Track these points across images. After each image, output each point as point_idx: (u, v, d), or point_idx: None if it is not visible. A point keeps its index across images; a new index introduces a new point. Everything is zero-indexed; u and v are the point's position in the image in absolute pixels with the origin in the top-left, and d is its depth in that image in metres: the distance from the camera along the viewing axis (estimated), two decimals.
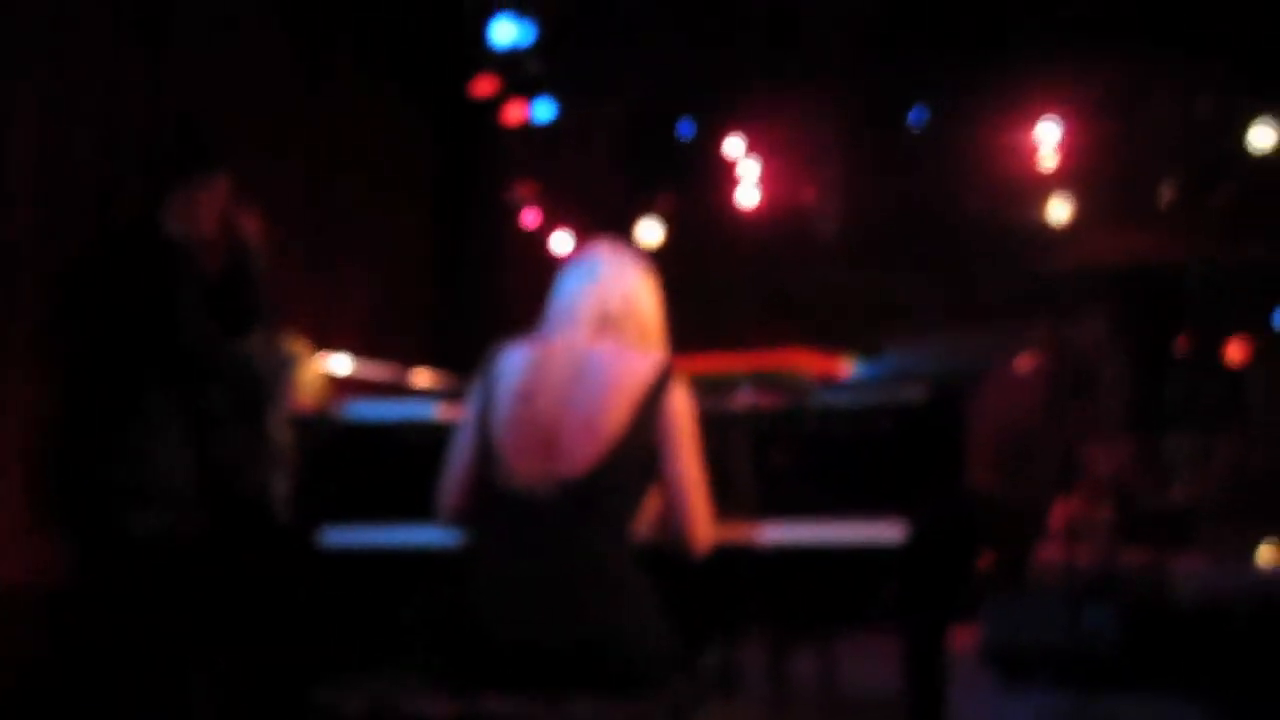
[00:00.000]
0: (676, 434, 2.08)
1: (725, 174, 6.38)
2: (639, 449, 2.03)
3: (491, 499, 2.02)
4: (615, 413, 2.01)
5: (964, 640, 4.22)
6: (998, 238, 6.68)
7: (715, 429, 2.49)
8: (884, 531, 2.35)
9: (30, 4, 3.20)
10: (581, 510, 1.97)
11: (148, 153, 3.47)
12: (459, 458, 2.15)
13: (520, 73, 5.31)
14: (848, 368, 8.72)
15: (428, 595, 2.06)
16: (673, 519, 2.09)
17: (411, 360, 4.04)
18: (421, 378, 3.76)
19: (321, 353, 3.36)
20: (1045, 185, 6.11)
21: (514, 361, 2.12)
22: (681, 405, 2.10)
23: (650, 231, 6.37)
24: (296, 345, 3.27)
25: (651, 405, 2.05)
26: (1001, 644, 4.14)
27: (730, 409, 2.59)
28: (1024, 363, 6.57)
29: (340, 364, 3.52)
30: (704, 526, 2.10)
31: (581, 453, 1.99)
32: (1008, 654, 4.12)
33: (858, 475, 2.42)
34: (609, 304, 2.17)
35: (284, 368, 3.16)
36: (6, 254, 3.09)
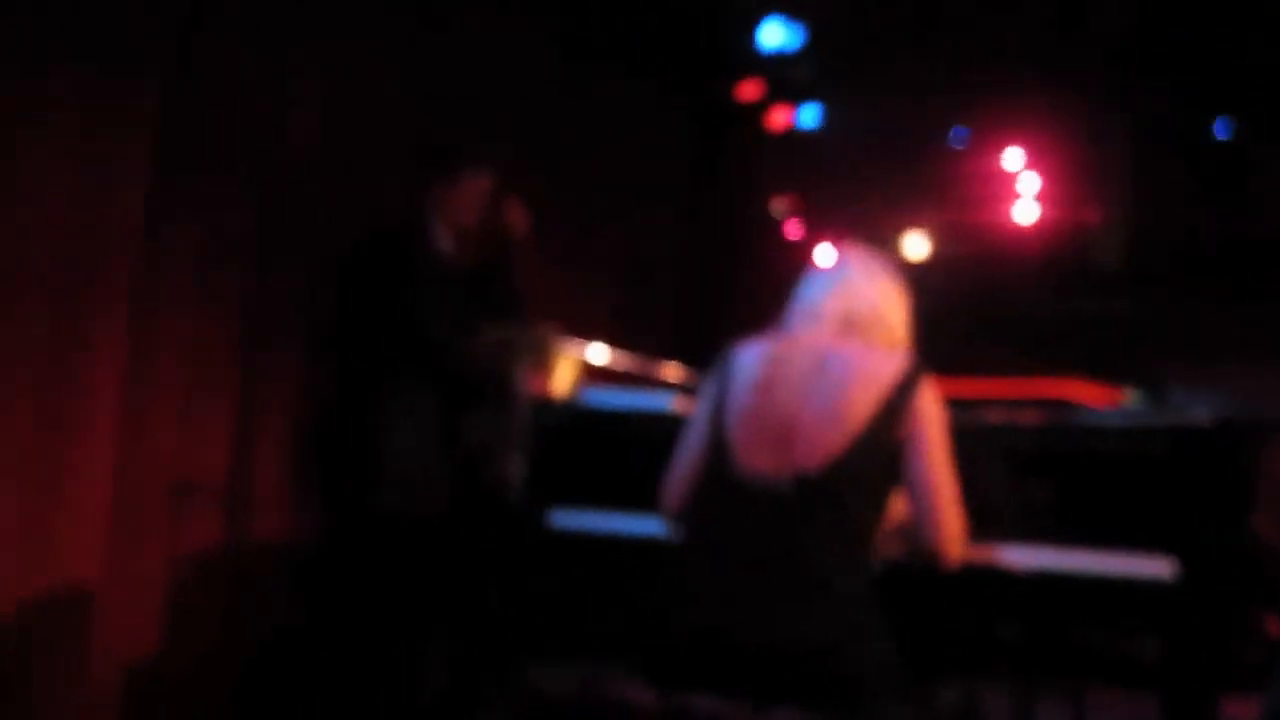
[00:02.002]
0: (925, 434, 1.92)
1: (1003, 188, 6.06)
2: (882, 446, 1.89)
3: (720, 489, 1.93)
4: (858, 406, 1.89)
5: (1242, 714, 3.76)
6: None
7: (968, 443, 2.31)
8: (1149, 567, 2.08)
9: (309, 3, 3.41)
10: (818, 505, 1.84)
11: (418, 147, 3.63)
12: (687, 455, 2.07)
13: (787, 78, 5.23)
14: (1126, 402, 8.11)
15: (646, 584, 2.01)
16: (921, 526, 1.94)
17: (659, 356, 4.04)
18: (669, 371, 3.75)
19: (576, 341, 3.40)
20: None
21: (751, 357, 2.04)
22: (931, 405, 1.95)
23: (916, 245, 6.13)
24: (552, 333, 3.33)
25: (897, 403, 1.91)
26: None
27: (985, 422, 2.40)
28: None
29: (593, 352, 3.56)
30: (955, 535, 1.94)
31: (820, 445, 1.87)
32: None
33: (1124, 503, 2.17)
34: (855, 308, 2.07)
35: (535, 354, 3.21)
36: (276, 241, 3.28)
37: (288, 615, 3.21)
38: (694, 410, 2.12)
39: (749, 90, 5.22)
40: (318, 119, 3.42)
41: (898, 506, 2.00)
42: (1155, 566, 2.09)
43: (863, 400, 1.90)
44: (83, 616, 2.79)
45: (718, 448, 1.97)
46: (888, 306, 2.11)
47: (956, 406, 2.46)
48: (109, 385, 2.84)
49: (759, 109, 5.30)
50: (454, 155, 3.22)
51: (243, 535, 3.19)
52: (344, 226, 3.45)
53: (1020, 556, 2.21)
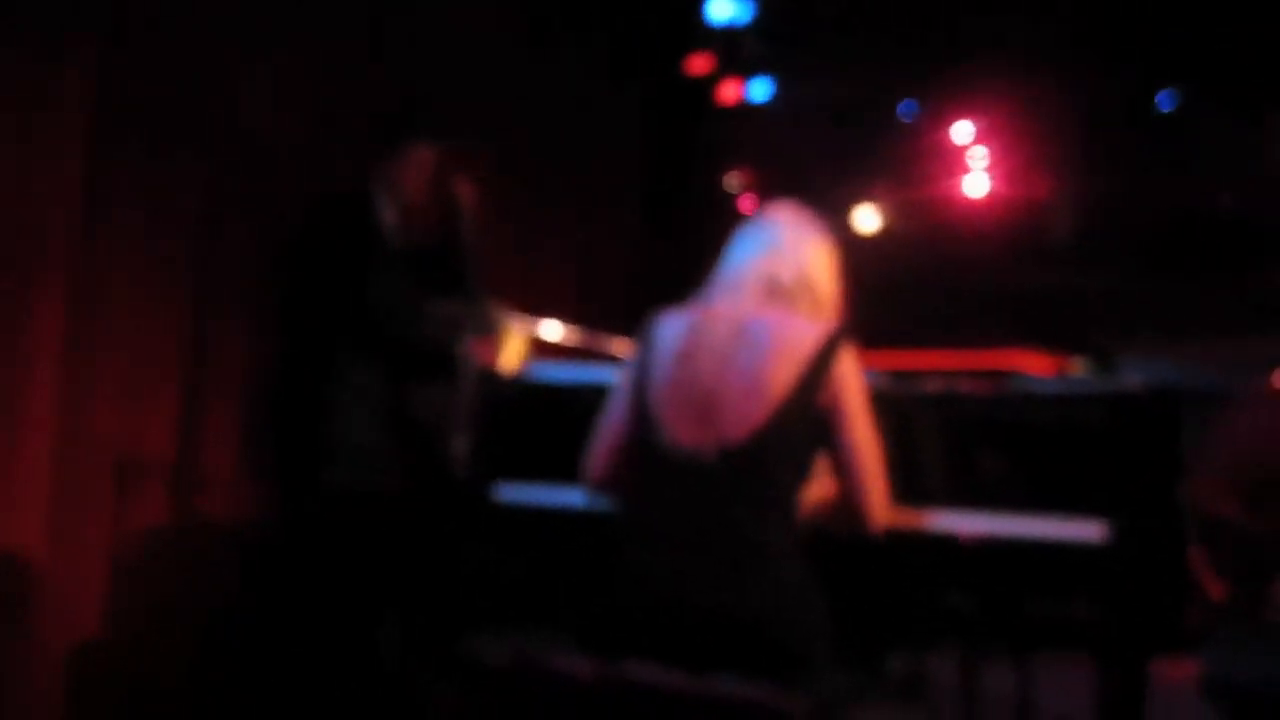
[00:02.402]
0: (847, 401, 1.93)
1: (952, 160, 6.09)
2: (804, 414, 1.90)
3: (649, 462, 1.94)
4: (780, 375, 1.89)
5: (1183, 673, 3.85)
6: (1257, 238, 6.12)
7: (906, 411, 2.34)
8: (1081, 531, 2.12)
9: None
10: (743, 476, 1.86)
11: (361, 119, 3.59)
12: (610, 425, 2.07)
13: (737, 51, 5.23)
14: (1076, 374, 8.22)
15: (589, 556, 2.02)
16: (846, 491, 1.96)
17: (615, 332, 4.04)
18: (619, 345, 3.75)
19: (527, 318, 3.39)
20: None
21: (673, 327, 2.02)
22: (851, 372, 1.96)
23: (868, 219, 6.16)
24: (503, 308, 3.32)
25: (819, 370, 1.91)
26: (1226, 682, 3.74)
27: (922, 391, 2.43)
28: (1276, 382, 5.98)
29: (545, 329, 3.55)
30: (879, 500, 1.95)
31: (744, 416, 1.88)
32: (1232, 693, 3.72)
33: (1058, 468, 2.21)
34: (780, 274, 2.04)
35: (483, 329, 3.21)
36: (226, 215, 3.25)
37: (238, 594, 3.20)
38: (617, 381, 2.10)
39: (699, 64, 5.21)
40: (268, 92, 3.39)
41: (825, 479, 2.01)
42: (1087, 529, 2.13)
43: (783, 369, 1.90)
44: (26, 598, 2.76)
45: (643, 421, 1.97)
46: (814, 269, 2.08)
47: (903, 377, 2.48)
48: (48, 363, 2.81)
49: (709, 83, 5.29)
50: (398, 127, 3.19)
51: (190, 514, 3.17)
52: (293, 201, 3.42)
53: (954, 522, 2.24)
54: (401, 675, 2.97)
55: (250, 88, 3.35)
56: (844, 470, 1.95)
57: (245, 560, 3.22)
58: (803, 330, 1.96)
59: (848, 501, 1.95)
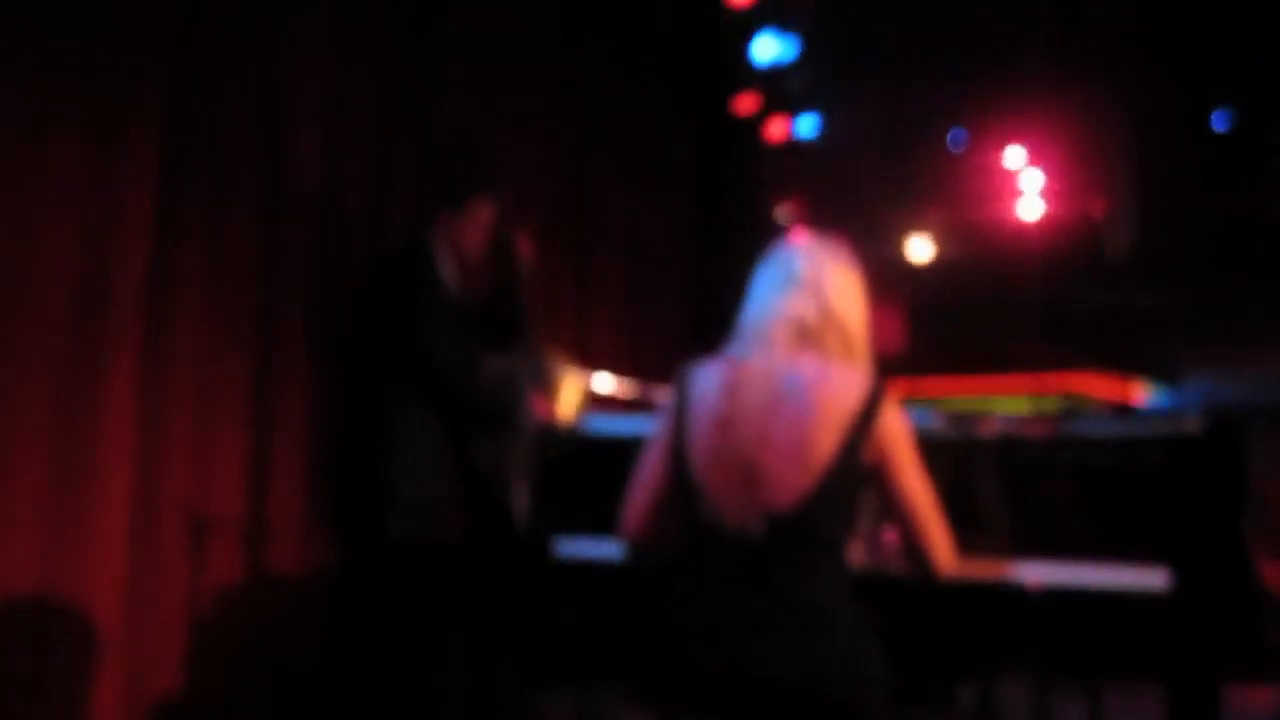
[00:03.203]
0: (895, 454, 1.91)
1: (1005, 186, 6.06)
2: (849, 475, 1.89)
3: (695, 531, 1.94)
4: (823, 440, 1.87)
5: (1262, 700, 3.77)
6: None
7: (964, 457, 2.34)
8: (1144, 579, 2.10)
9: (307, 20, 3.42)
10: (791, 541, 1.86)
11: (420, 171, 3.65)
12: (644, 480, 2.05)
13: (783, 89, 5.26)
14: (1141, 394, 8.05)
15: (640, 611, 2.03)
16: (910, 544, 1.97)
17: (668, 378, 4.04)
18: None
19: (581, 368, 3.42)
20: None
21: (707, 383, 1.98)
22: (896, 426, 1.93)
23: (920, 248, 6.15)
24: (559, 360, 3.34)
25: (862, 429, 1.89)
26: None
27: (978, 436, 2.42)
28: None
29: (598, 380, 3.58)
30: (942, 546, 1.94)
31: (788, 484, 1.86)
32: None
33: (1119, 514, 2.18)
34: (806, 315, 1.98)
35: (539, 381, 3.24)
36: (288, 268, 3.31)
37: (308, 646, 3.25)
38: (652, 433, 2.06)
39: (746, 103, 5.24)
40: (327, 141, 3.45)
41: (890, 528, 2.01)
42: (1150, 576, 2.11)
43: (826, 434, 1.88)
44: (105, 656, 2.83)
45: (685, 490, 1.96)
46: (840, 301, 2.02)
47: (961, 420, 2.47)
48: (123, 422, 2.88)
49: (757, 121, 5.33)
50: (460, 183, 3.21)
51: (261, 567, 3.24)
52: (353, 252, 3.48)
53: (1020, 570, 2.23)
54: None
55: (309, 137, 3.41)
56: (903, 521, 1.94)
57: (315, 610, 3.28)
58: (842, 386, 1.93)
59: (912, 550, 1.95)
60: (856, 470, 1.89)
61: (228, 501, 3.17)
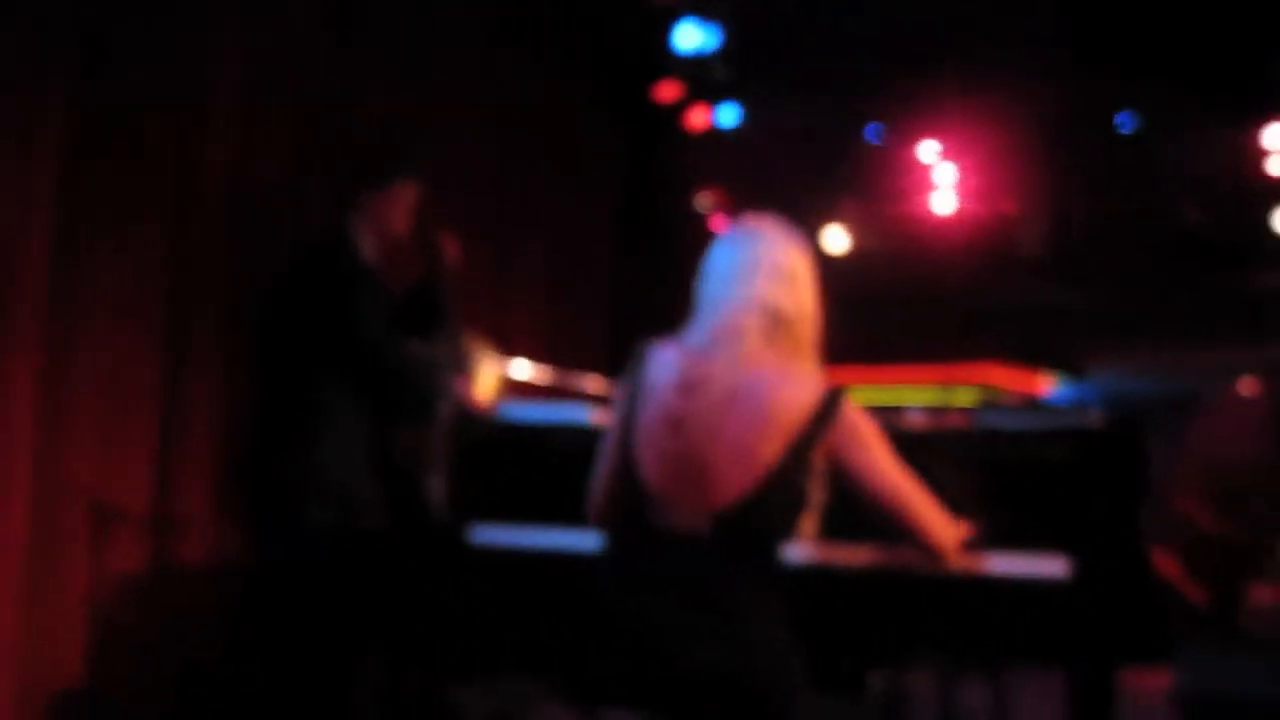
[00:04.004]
0: (862, 456, 1.91)
1: (917, 180, 6.17)
2: (791, 481, 1.90)
3: (636, 522, 1.92)
4: (768, 445, 1.87)
5: (1155, 684, 3.90)
6: (1219, 250, 6.22)
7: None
8: (1046, 568, 2.17)
9: (223, 8, 3.33)
10: (729, 540, 1.88)
11: (339, 159, 3.58)
12: (606, 465, 2.04)
13: (705, 78, 5.27)
14: (1048, 386, 8.29)
15: (562, 601, 2.03)
16: (910, 535, 1.96)
17: (589, 365, 4.04)
18: (593, 383, 3.75)
19: (500, 355, 3.40)
20: (1270, 193, 5.63)
21: (664, 374, 1.95)
22: (857, 429, 1.92)
23: (837, 238, 6.22)
24: (478, 347, 3.32)
25: (812, 438, 1.89)
26: (1197, 692, 3.80)
27: (899, 428, 2.46)
28: (1248, 388, 6.09)
29: (517, 367, 3.56)
30: (939, 532, 1.96)
31: (731, 484, 1.87)
32: (1204, 703, 3.77)
33: (1025, 505, 2.24)
34: (781, 305, 1.94)
35: (460, 369, 3.21)
36: (197, 256, 3.24)
37: (217, 640, 3.19)
38: (610, 415, 2.06)
39: (668, 91, 5.25)
40: (238, 127, 3.38)
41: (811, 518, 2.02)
42: (1052, 564, 2.18)
43: (773, 437, 1.87)
44: (4, 646, 2.75)
45: (632, 489, 1.94)
46: (801, 300, 1.98)
47: (882, 410, 2.51)
48: (23, 410, 2.79)
49: (679, 110, 5.34)
50: (385, 165, 3.15)
51: (168, 559, 3.16)
52: (267, 238, 3.41)
53: None
54: None
55: (221, 123, 3.34)
56: (893, 516, 1.94)
57: (225, 604, 3.21)
58: (797, 394, 1.91)
59: (917, 544, 1.97)
60: (802, 473, 1.89)
61: (134, 492, 3.09)
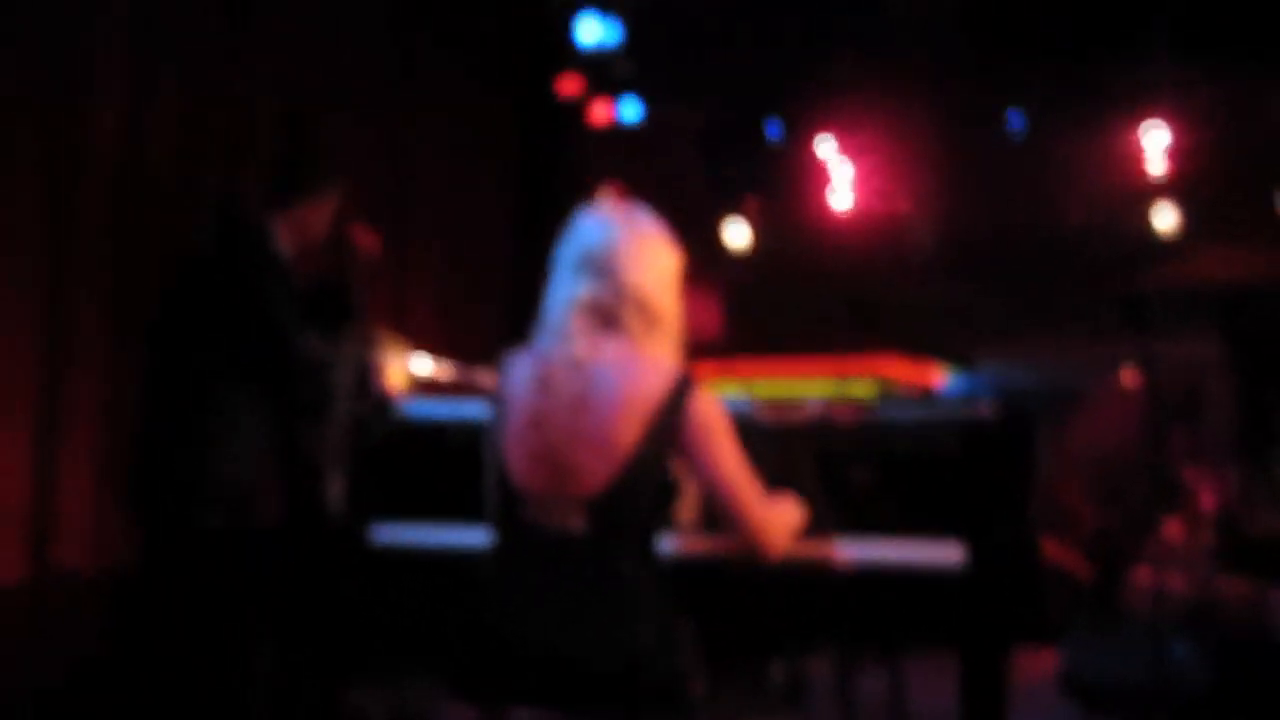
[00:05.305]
0: (705, 442, 1.94)
1: (816, 176, 6.26)
2: (654, 465, 1.93)
3: (512, 527, 1.96)
4: (626, 430, 1.89)
5: (1041, 667, 4.05)
6: (1099, 249, 6.45)
7: (782, 442, 2.41)
8: (941, 554, 2.24)
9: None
10: (600, 530, 1.90)
11: (233, 152, 3.50)
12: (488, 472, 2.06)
13: (606, 73, 5.27)
14: (941, 378, 8.52)
15: (461, 600, 2.02)
16: (735, 529, 2.00)
17: (489, 360, 4.01)
18: (492, 378, 3.73)
19: (405, 347, 3.36)
20: (1150, 193, 5.86)
21: (520, 378, 1.99)
22: (706, 413, 1.94)
23: (737, 233, 6.29)
24: (383, 337, 3.28)
25: (667, 419, 1.91)
26: (1081, 674, 3.95)
27: (796, 421, 2.50)
28: (1124, 381, 6.31)
29: (417, 363, 3.52)
30: (766, 529, 1.99)
31: (596, 474, 1.89)
32: (1087, 685, 3.93)
33: (920, 494, 2.32)
34: (601, 298, 1.94)
35: (361, 363, 3.17)
36: (82, 247, 3.15)
37: (98, 649, 3.08)
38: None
39: (569, 85, 5.23)
40: (125, 114, 3.27)
41: (688, 504, 2.05)
42: (947, 551, 2.25)
43: (629, 421, 1.89)
44: None
45: (506, 491, 1.96)
46: (641, 279, 1.96)
47: (776, 406, 2.55)
48: None
49: (580, 105, 5.33)
50: (307, 169, 3.08)
51: (48, 562, 3.05)
52: (152, 233, 3.31)
53: (830, 548, 2.32)
54: None
55: (106, 104, 3.23)
56: (726, 511, 1.98)
57: (108, 607, 3.11)
58: (647, 375, 1.92)
59: (739, 538, 1.99)
60: (663, 459, 1.93)
61: (10, 494, 2.97)
